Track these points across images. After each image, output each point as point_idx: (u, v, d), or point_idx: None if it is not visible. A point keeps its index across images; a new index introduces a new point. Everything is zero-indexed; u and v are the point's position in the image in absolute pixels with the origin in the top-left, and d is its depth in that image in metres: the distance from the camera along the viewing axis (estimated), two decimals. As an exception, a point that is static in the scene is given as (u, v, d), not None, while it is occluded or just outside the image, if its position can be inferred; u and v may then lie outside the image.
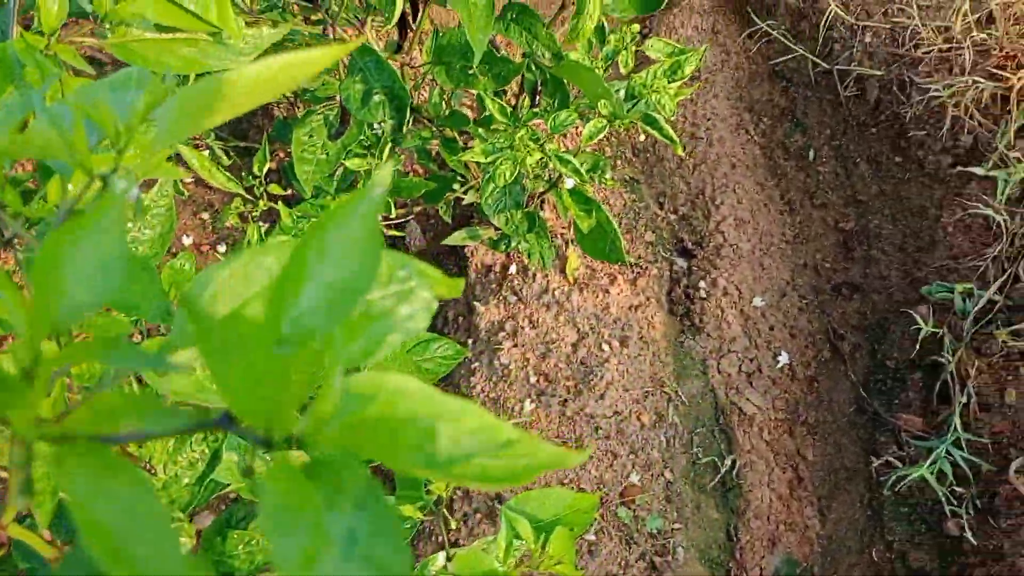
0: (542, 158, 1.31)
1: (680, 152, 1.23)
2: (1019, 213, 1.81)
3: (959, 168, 1.92)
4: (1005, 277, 1.77)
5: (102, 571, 0.25)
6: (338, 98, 1.23)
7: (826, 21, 2.15)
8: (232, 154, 1.64)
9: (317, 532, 0.27)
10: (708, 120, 2.20)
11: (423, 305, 0.41)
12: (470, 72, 1.12)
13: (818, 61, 2.18)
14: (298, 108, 1.81)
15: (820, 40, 2.18)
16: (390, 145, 1.30)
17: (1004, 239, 1.80)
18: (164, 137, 0.38)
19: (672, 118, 1.24)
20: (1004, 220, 1.79)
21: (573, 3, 1.27)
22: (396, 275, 0.41)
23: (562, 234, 1.87)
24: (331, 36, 1.06)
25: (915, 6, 2.07)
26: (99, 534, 0.24)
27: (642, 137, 2.18)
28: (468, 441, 0.32)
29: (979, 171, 1.88)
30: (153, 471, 0.74)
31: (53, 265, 0.30)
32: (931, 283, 1.85)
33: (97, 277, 0.31)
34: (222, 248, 1.95)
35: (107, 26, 0.67)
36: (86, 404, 0.28)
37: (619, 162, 2.15)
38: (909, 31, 2.05)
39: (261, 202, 1.42)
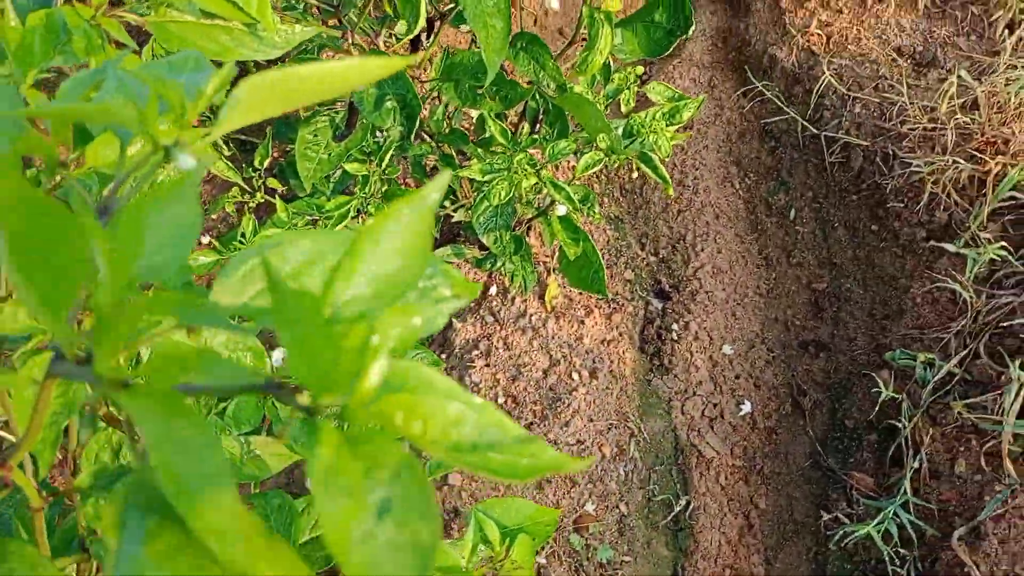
0: (536, 183, 1.34)
1: (671, 192, 1.27)
2: (985, 292, 1.87)
3: (932, 243, 1.99)
4: (966, 352, 1.83)
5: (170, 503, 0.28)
6: (346, 102, 1.26)
7: (819, 88, 2.23)
8: (232, 145, 1.66)
9: (355, 496, 0.30)
10: (696, 169, 2.25)
11: (445, 304, 0.44)
12: (479, 92, 1.16)
13: (808, 125, 2.24)
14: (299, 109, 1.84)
15: (812, 105, 2.25)
16: (391, 153, 1.34)
17: (969, 315, 1.86)
18: (228, 120, 0.41)
19: (666, 159, 1.28)
20: (970, 297, 1.85)
21: (583, 39, 1.32)
22: (424, 272, 0.44)
23: (545, 262, 1.91)
24: (348, 42, 1.09)
25: (905, 84, 2.15)
26: (168, 473, 0.27)
27: (632, 176, 2.23)
28: (491, 432, 0.35)
29: (951, 248, 1.94)
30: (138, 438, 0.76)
31: (136, 227, 0.33)
32: (895, 350, 1.91)
33: (173, 243, 0.34)
34: (205, 239, 1.96)
35: (147, 4, 0.70)
36: (158, 352, 0.30)
37: (606, 200, 2.19)
38: (897, 107, 2.12)
39: (259, 194, 1.44)
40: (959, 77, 2.08)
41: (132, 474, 0.30)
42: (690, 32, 1.16)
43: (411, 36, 1.02)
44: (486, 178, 1.28)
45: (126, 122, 0.40)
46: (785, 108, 2.29)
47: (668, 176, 1.25)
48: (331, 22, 1.31)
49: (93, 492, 0.61)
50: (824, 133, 2.21)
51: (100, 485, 0.61)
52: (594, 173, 2.23)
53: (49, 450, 0.56)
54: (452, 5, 1.32)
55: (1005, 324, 1.82)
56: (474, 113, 1.89)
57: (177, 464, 0.27)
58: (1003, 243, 1.87)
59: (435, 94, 1.48)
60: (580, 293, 1.92)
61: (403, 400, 0.34)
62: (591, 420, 1.76)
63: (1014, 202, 1.92)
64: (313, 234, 0.47)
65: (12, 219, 0.24)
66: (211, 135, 0.42)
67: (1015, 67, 2.05)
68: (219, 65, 0.93)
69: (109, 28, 0.65)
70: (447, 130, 1.47)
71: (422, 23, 0.99)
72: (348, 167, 1.31)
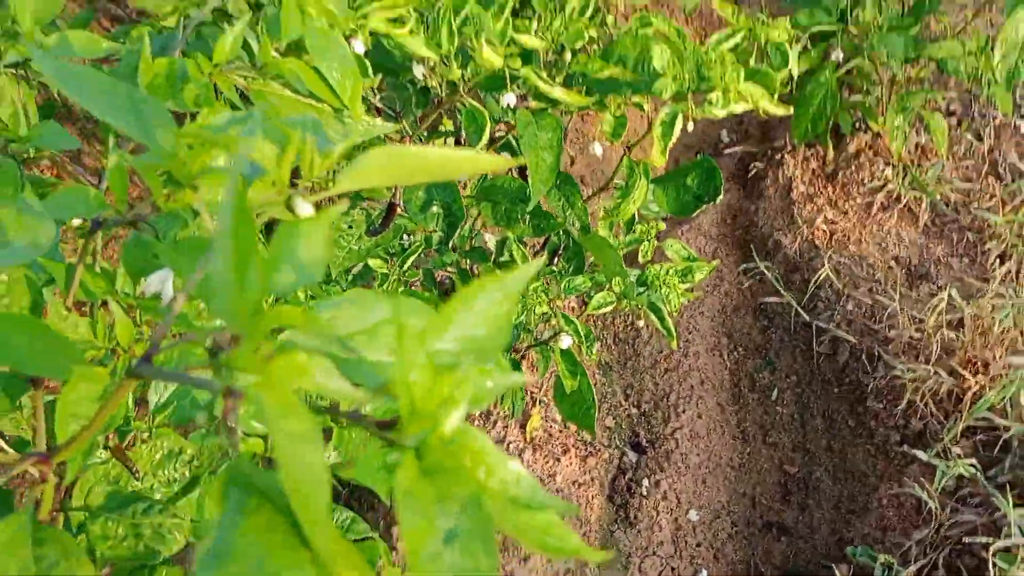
0: (546, 313, 1.39)
1: (675, 345, 1.32)
2: (950, 505, 1.91)
3: (905, 448, 2.04)
4: (926, 561, 1.85)
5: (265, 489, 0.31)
6: (385, 201, 1.33)
7: (817, 280, 2.33)
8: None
9: (428, 518, 0.33)
10: (689, 333, 2.32)
11: (491, 388, 0.48)
12: (513, 216, 1.22)
13: (801, 312, 2.33)
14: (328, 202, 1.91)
15: (807, 294, 2.34)
16: (414, 258, 1.39)
17: (932, 526, 1.89)
18: (349, 179, 0.45)
19: (674, 314, 1.34)
20: (936, 508, 1.88)
21: (614, 187, 1.40)
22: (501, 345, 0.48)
23: (532, 392, 1.94)
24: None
25: (898, 292, 2.25)
26: (285, 460, 0.30)
27: (627, 327, 2.29)
28: (539, 496, 0.39)
29: (923, 456, 1.99)
30: (137, 475, 0.77)
31: (279, 250, 0.37)
32: (857, 546, 1.92)
33: (305, 268, 0.38)
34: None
35: (254, 73, 0.76)
36: (284, 355, 0.34)
37: (600, 345, 2.25)
38: (888, 311, 2.21)
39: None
40: (949, 295, 2.18)
41: (232, 460, 0.33)
42: (718, 200, 1.24)
43: (479, 149, 1.10)
44: (501, 298, 1.33)
45: (264, 160, 0.45)
46: (782, 292, 2.38)
47: (674, 330, 1.30)
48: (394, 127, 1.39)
49: (103, 512, 0.62)
50: (816, 323, 2.29)
51: (111, 507, 0.62)
52: (591, 317, 2.29)
53: (82, 458, 0.57)
54: (500, 134, 1.41)
55: (967, 541, 1.84)
56: (488, 237, 1.95)
57: (292, 454, 0.30)
58: (973, 460, 1.92)
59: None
60: (560, 430, 1.94)
61: (472, 447, 0.38)
62: (549, 561, 1.75)
63: (987, 423, 1.98)
64: (391, 299, 0.52)
65: (236, 227, 0.28)
66: (332, 190, 0.47)
67: (1002, 296, 2.16)
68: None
69: (222, 85, 0.71)
70: (469, 247, 1.54)
71: (484, 141, 1.06)
72: (371, 262, 1.36)
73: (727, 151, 2.86)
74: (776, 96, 1.22)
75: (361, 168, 0.45)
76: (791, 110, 1.08)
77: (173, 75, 0.68)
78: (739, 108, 1.06)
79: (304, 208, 0.46)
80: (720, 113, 1.05)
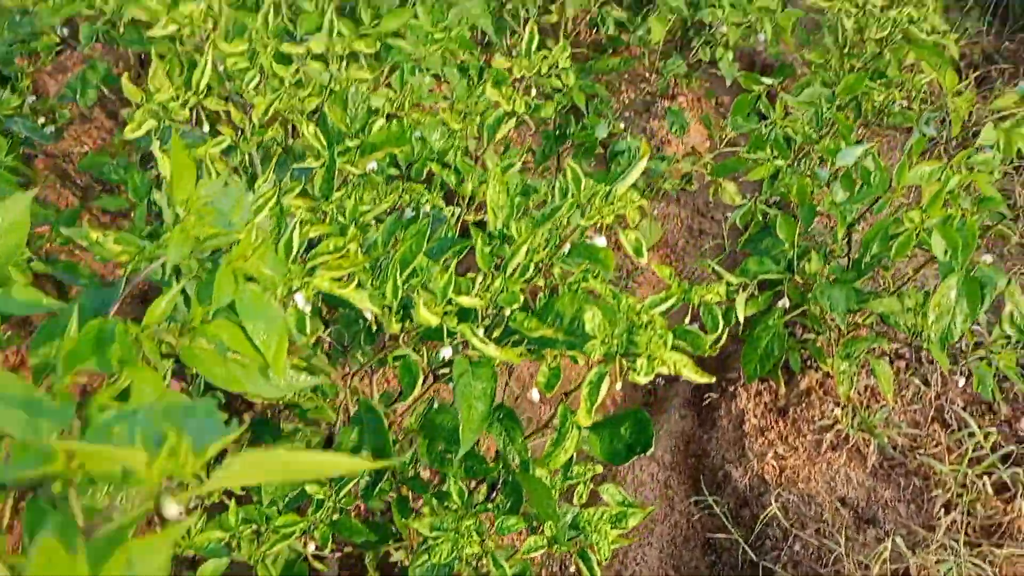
0: (476, 552, 1.39)
1: (601, 596, 1.31)
2: None
3: None
4: None
5: None
6: (328, 425, 1.35)
7: (765, 517, 2.33)
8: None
9: None
10: (636, 564, 2.29)
11: None
12: (447, 457, 1.25)
13: (748, 551, 2.31)
14: (278, 414, 1.93)
15: (755, 532, 2.33)
16: (350, 487, 1.40)
17: None
18: (219, 480, 0.49)
19: (605, 561, 1.34)
20: None
21: (554, 428, 1.43)
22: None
23: (467, 623, 1.88)
24: (348, 382, 1.21)
25: (844, 535, 2.25)
26: None
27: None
28: None
29: None
30: None
31: (115, 567, 0.40)
32: None
33: None
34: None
35: (184, 333, 0.81)
36: None
37: (544, 572, 2.20)
38: (834, 556, 2.20)
39: (216, 493, 1.49)
40: (894, 543, 2.18)
41: None
42: (648, 452, 1.28)
43: (405, 404, 1.14)
44: (433, 534, 1.33)
45: (136, 468, 0.48)
46: (730, 528, 2.37)
47: (602, 579, 1.30)
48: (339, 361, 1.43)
49: None
50: (763, 562, 2.27)
51: None
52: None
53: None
54: (445, 368, 1.46)
55: None
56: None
57: None
58: None
59: (407, 435, 1.57)
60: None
61: None
62: None
63: None
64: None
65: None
66: (201, 489, 0.50)
67: (945, 547, 2.16)
68: (227, 398, 1.04)
69: (147, 347, 0.76)
70: (411, 474, 1.55)
71: (416, 393, 1.10)
72: (308, 488, 1.37)
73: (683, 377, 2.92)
74: (711, 348, 1.28)
75: (230, 470, 0.49)
76: (712, 379, 1.14)
77: (103, 336, 0.72)
78: (664, 371, 1.12)
79: (171, 510, 0.49)
80: (643, 380, 1.10)
